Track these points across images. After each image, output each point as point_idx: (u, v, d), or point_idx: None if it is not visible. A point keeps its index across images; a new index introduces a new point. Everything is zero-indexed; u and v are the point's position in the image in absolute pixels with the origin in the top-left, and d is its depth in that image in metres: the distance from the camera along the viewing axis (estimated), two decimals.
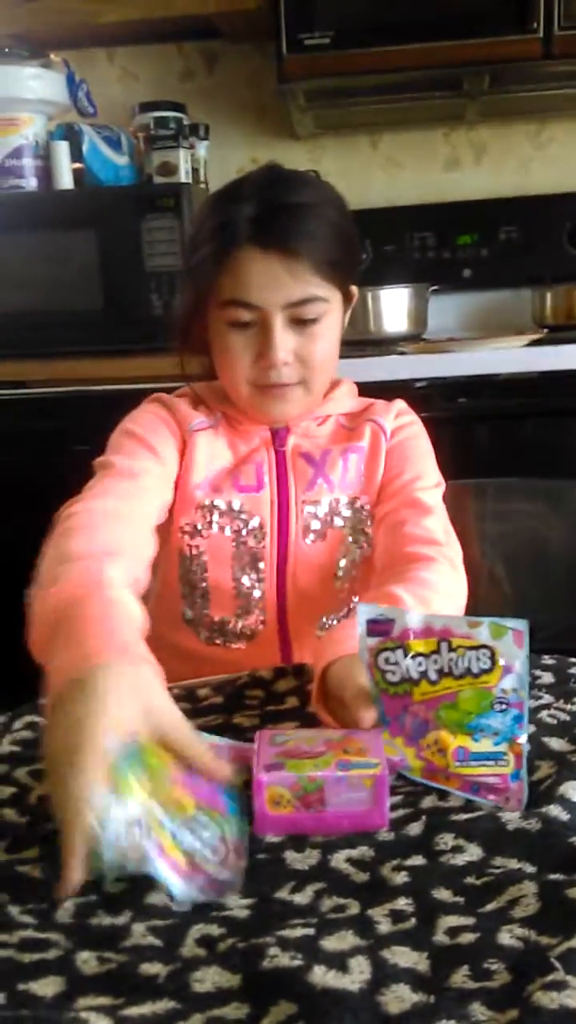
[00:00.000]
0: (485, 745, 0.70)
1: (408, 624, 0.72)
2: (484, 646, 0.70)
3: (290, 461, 1.13)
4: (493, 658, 0.69)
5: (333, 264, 1.04)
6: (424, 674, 0.72)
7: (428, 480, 1.15)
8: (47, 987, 0.52)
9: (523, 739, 0.70)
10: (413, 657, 0.72)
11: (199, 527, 1.11)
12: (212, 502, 1.11)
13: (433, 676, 0.71)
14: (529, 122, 2.37)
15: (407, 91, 2.16)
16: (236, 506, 1.11)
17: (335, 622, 1.14)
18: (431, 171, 2.42)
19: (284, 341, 1.03)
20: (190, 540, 1.12)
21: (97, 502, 0.99)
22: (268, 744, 0.71)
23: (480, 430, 1.91)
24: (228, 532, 1.11)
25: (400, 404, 1.21)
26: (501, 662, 0.69)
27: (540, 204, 2.32)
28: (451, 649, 0.71)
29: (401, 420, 1.18)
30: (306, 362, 1.06)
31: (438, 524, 1.10)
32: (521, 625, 0.70)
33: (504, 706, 0.70)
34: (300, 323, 1.04)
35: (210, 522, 1.11)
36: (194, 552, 1.12)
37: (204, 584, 1.12)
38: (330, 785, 0.66)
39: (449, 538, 1.09)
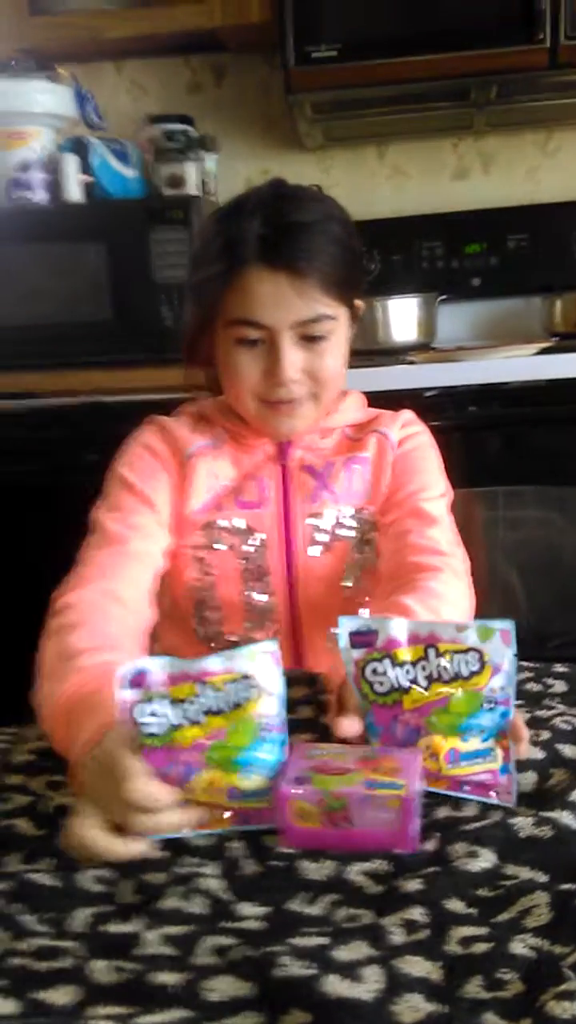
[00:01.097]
0: (473, 743, 0.71)
1: (392, 634, 0.72)
2: (472, 649, 0.70)
3: (293, 475, 1.13)
4: (482, 660, 0.70)
5: (340, 282, 1.04)
6: (414, 682, 0.71)
7: (434, 491, 1.14)
8: (61, 996, 0.52)
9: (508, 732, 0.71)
10: (400, 666, 0.72)
11: (204, 546, 1.11)
12: (215, 521, 1.11)
13: (423, 683, 0.71)
14: (537, 131, 2.37)
15: (414, 102, 2.16)
16: (239, 524, 1.11)
17: None
18: (439, 181, 2.42)
19: (293, 359, 1.03)
20: (196, 561, 1.11)
21: (91, 590, 0.98)
22: (301, 757, 0.70)
23: (490, 438, 1.91)
24: (233, 549, 1.11)
25: (407, 414, 1.20)
26: (490, 663, 0.70)
27: (548, 212, 2.32)
28: (439, 654, 0.71)
29: (407, 431, 1.18)
30: (315, 378, 1.06)
31: (443, 534, 1.10)
32: (507, 625, 0.70)
33: (492, 704, 0.70)
34: (308, 340, 1.04)
35: (214, 541, 1.11)
36: (201, 572, 1.12)
37: (215, 602, 1.12)
38: (354, 803, 0.65)
39: (454, 548, 1.09)
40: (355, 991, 0.50)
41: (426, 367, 1.92)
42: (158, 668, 0.67)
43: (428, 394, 1.86)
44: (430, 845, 0.66)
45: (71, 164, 2.09)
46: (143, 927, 0.58)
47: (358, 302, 1.12)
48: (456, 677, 0.70)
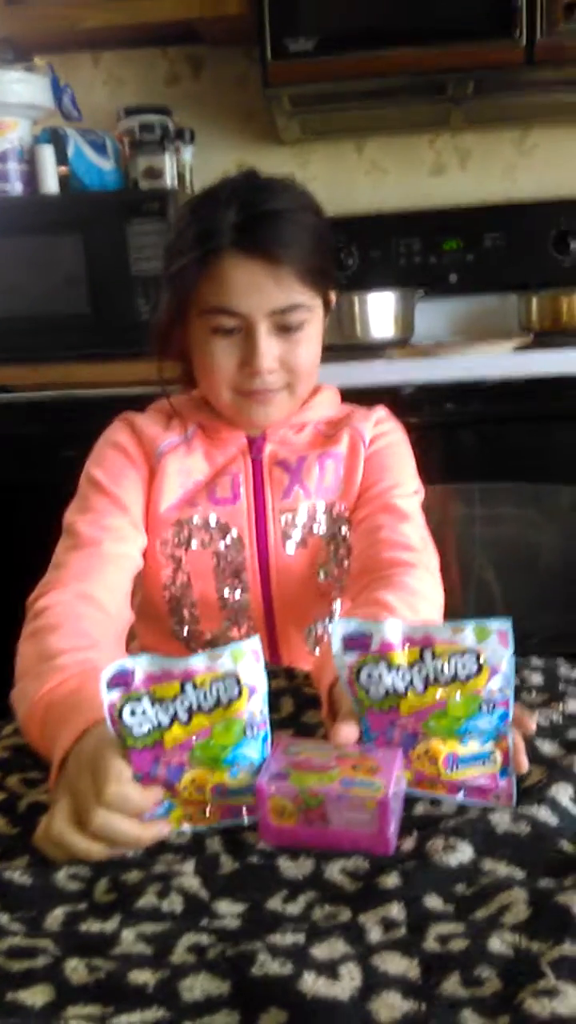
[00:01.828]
0: (473, 747, 0.70)
1: (386, 636, 0.70)
2: (469, 650, 0.69)
3: (266, 470, 1.12)
4: (479, 661, 0.68)
5: (314, 271, 1.04)
6: (411, 685, 0.70)
7: (406, 488, 1.14)
8: (36, 996, 0.52)
9: (509, 735, 0.70)
10: (396, 670, 0.70)
11: (178, 544, 1.10)
12: (188, 518, 1.10)
13: (420, 686, 0.69)
14: (514, 128, 2.38)
15: (392, 96, 2.16)
16: (212, 521, 1.10)
17: (321, 628, 1.14)
18: (416, 176, 2.42)
19: (269, 348, 1.03)
20: (170, 559, 1.11)
21: (67, 592, 0.98)
22: (282, 752, 0.70)
23: (467, 435, 1.92)
24: (207, 547, 1.10)
25: (380, 411, 1.20)
26: (488, 664, 0.68)
27: (525, 210, 2.33)
28: (435, 656, 0.69)
29: (381, 428, 1.18)
30: (291, 368, 1.06)
31: (415, 531, 1.10)
32: (505, 625, 0.68)
33: (491, 706, 0.69)
34: (284, 330, 1.04)
35: (188, 538, 1.10)
36: (176, 569, 1.11)
37: (190, 599, 1.12)
38: (330, 802, 0.64)
39: (426, 545, 1.09)
40: (332, 990, 0.50)
41: (404, 363, 1.93)
42: (142, 668, 0.66)
43: (405, 390, 1.86)
44: (407, 842, 0.65)
45: (47, 156, 2.07)
46: (119, 926, 0.58)
47: (331, 294, 1.12)
48: (453, 679, 0.69)
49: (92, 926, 0.58)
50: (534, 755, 0.76)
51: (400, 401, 1.84)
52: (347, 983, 0.51)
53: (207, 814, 0.68)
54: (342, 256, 2.32)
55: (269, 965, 0.52)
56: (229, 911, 0.59)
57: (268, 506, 1.11)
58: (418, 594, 0.97)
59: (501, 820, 0.66)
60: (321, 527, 1.12)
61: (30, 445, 1.96)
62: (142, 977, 0.53)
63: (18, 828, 0.70)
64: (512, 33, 1.92)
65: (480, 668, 0.68)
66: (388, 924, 0.56)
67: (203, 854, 0.65)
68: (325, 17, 1.96)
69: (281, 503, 1.11)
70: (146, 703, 0.65)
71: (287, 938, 0.55)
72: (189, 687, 0.66)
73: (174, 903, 0.60)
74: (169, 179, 2.12)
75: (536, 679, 0.91)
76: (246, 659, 0.68)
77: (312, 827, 0.65)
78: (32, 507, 1.85)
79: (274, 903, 0.60)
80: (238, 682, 0.67)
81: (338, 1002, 0.49)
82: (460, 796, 0.70)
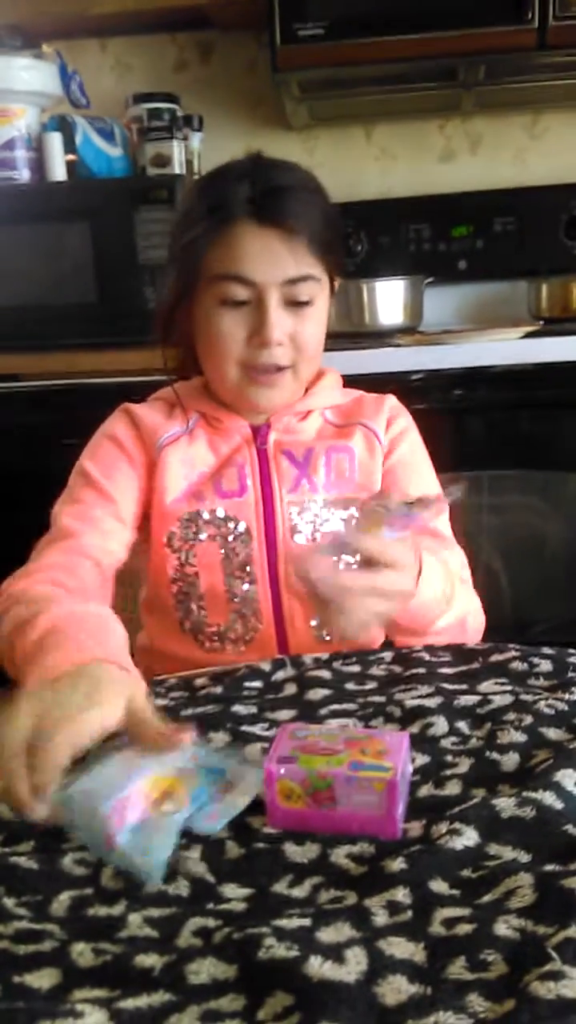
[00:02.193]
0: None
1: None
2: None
3: (272, 460, 1.11)
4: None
5: (325, 245, 1.04)
6: None
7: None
8: (42, 979, 0.52)
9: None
10: None
11: (186, 538, 1.10)
12: (196, 511, 1.09)
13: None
14: (524, 113, 2.36)
15: (402, 82, 2.15)
16: (220, 513, 1.09)
17: None
18: (426, 162, 2.41)
19: (279, 320, 1.03)
20: (178, 552, 1.10)
21: (38, 581, 0.96)
22: (288, 737, 0.70)
23: (476, 422, 1.91)
24: (215, 540, 1.09)
25: (391, 402, 1.19)
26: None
27: (536, 195, 2.31)
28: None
29: (396, 428, 1.16)
30: (298, 345, 1.05)
31: (457, 556, 1.10)
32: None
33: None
34: (293, 304, 1.03)
35: (196, 532, 1.09)
36: (183, 562, 1.10)
37: (198, 592, 1.11)
38: (339, 784, 0.64)
39: (465, 566, 1.11)
40: (338, 973, 0.50)
41: (412, 350, 1.92)
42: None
43: (414, 377, 1.86)
44: (413, 827, 0.65)
45: (56, 143, 2.07)
46: (125, 910, 0.58)
47: (336, 279, 1.11)
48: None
49: (99, 910, 0.58)
50: (540, 740, 0.76)
51: (408, 388, 1.84)
52: (353, 967, 0.51)
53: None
54: (351, 242, 2.31)
55: (275, 949, 0.52)
56: (235, 895, 0.59)
57: (276, 498, 1.11)
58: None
59: (506, 805, 0.66)
60: (330, 524, 1.11)
61: (37, 433, 1.96)
62: (148, 961, 0.53)
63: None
64: (524, 17, 1.91)
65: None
66: (394, 908, 0.56)
67: (209, 839, 0.65)
68: (335, 2, 1.95)
69: (289, 496, 1.11)
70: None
71: (293, 922, 0.55)
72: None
73: (180, 887, 0.60)
74: (177, 166, 2.11)
75: (545, 666, 0.91)
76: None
77: (320, 810, 0.65)
78: (38, 495, 1.85)
79: (280, 887, 0.60)
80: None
81: (344, 985, 0.49)
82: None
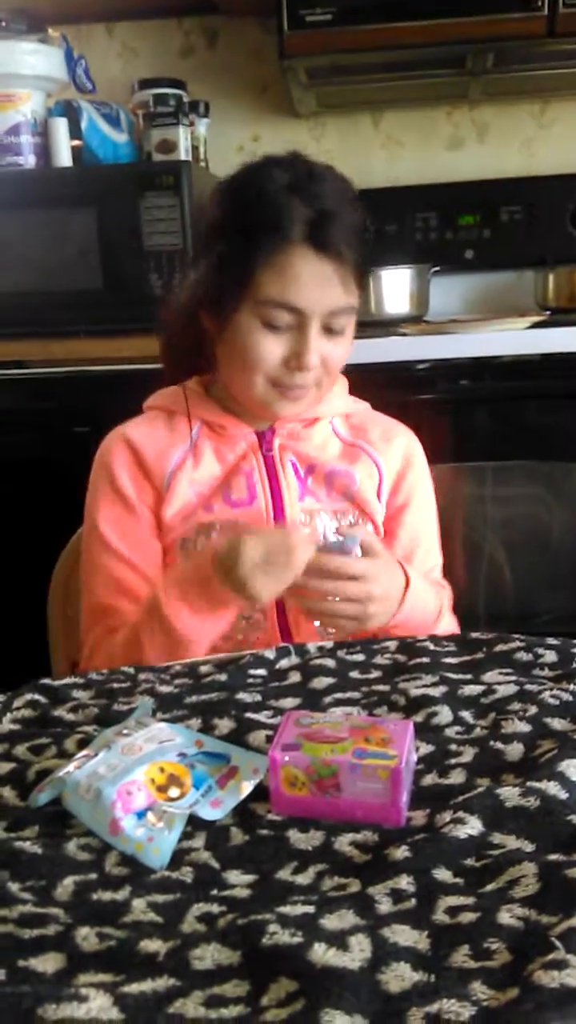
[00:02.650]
0: None
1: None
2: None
3: (280, 467, 1.11)
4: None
5: (364, 272, 1.05)
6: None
7: (436, 555, 1.18)
8: (47, 963, 0.52)
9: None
10: None
11: (198, 545, 1.09)
12: (207, 522, 1.09)
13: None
14: (533, 101, 2.35)
15: (410, 69, 2.14)
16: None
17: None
18: (433, 150, 2.40)
19: (318, 346, 1.03)
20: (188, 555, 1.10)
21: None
22: (293, 724, 0.70)
23: (481, 412, 1.91)
24: None
25: (403, 441, 1.18)
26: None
27: (543, 184, 2.30)
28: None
29: (407, 481, 1.17)
30: (328, 368, 1.06)
31: (448, 599, 1.16)
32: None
33: None
34: (329, 331, 1.04)
35: (208, 535, 1.09)
36: None
37: None
38: (344, 772, 0.65)
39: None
40: (342, 960, 0.50)
41: (418, 339, 1.91)
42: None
43: (420, 367, 1.85)
44: (416, 816, 0.66)
45: (61, 128, 2.06)
46: (129, 895, 0.58)
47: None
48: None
49: (103, 895, 0.59)
50: (544, 730, 0.76)
51: (414, 378, 1.83)
52: (357, 954, 0.51)
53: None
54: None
55: (279, 935, 0.52)
56: (239, 881, 0.59)
57: (286, 504, 1.10)
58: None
59: (510, 795, 0.66)
60: (330, 535, 1.11)
61: (41, 420, 1.96)
62: (153, 946, 0.53)
63: (28, 798, 0.71)
64: (534, 4, 1.89)
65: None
66: (398, 896, 0.56)
67: (213, 825, 0.65)
68: None
69: (296, 506, 1.11)
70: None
71: (297, 909, 0.55)
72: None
73: (184, 873, 0.60)
74: (183, 152, 2.10)
75: (550, 656, 0.91)
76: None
77: (324, 797, 0.65)
78: (43, 482, 1.86)
79: (284, 874, 0.60)
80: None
81: (348, 972, 0.49)
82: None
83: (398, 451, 1.16)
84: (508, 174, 2.34)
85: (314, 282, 1.00)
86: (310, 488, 1.11)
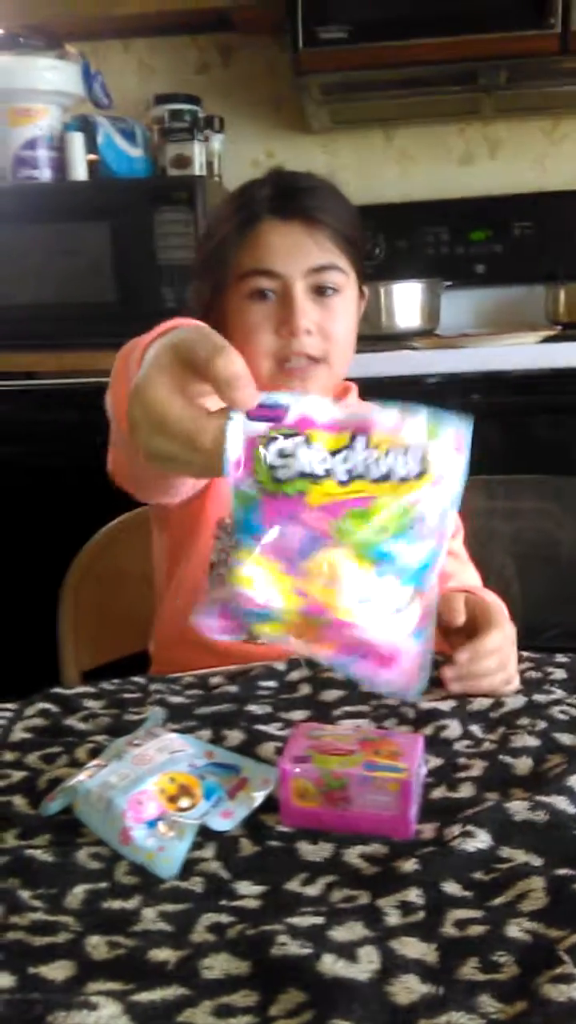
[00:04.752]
0: (389, 584, 0.53)
1: (307, 412, 0.53)
2: (414, 446, 0.53)
3: None
4: (424, 462, 0.53)
5: (348, 238, 1.07)
6: (330, 472, 0.52)
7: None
8: (57, 971, 0.52)
9: (434, 588, 0.55)
10: (316, 450, 0.52)
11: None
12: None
13: (341, 476, 0.52)
14: (544, 118, 2.36)
15: (423, 85, 2.15)
16: None
17: None
18: (445, 166, 2.41)
19: (306, 308, 1.05)
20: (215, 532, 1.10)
21: None
22: (303, 736, 0.70)
23: (492, 427, 1.91)
24: None
25: None
26: (431, 469, 0.53)
27: (554, 200, 2.31)
28: (368, 446, 0.52)
29: None
30: (327, 336, 1.06)
31: (475, 575, 1.16)
32: (462, 424, 0.54)
33: (424, 529, 0.53)
34: (320, 294, 1.06)
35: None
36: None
37: None
38: (354, 784, 0.65)
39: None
40: (351, 971, 0.51)
41: (429, 353, 1.92)
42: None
43: (430, 381, 1.86)
44: (425, 829, 0.66)
45: (77, 143, 2.08)
46: (140, 904, 0.59)
47: (364, 288, 1.13)
48: (387, 477, 0.52)
49: (113, 904, 0.59)
50: (553, 745, 0.76)
51: (425, 392, 1.84)
52: (366, 965, 0.51)
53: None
54: (369, 246, 2.32)
55: (289, 946, 0.52)
56: (249, 892, 0.60)
57: None
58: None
59: (519, 808, 0.66)
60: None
61: (52, 432, 1.97)
62: (162, 955, 0.53)
63: (39, 807, 0.71)
64: (547, 21, 1.91)
65: (423, 471, 0.53)
66: (406, 908, 0.56)
67: (223, 836, 0.66)
68: (357, 5, 1.96)
69: None
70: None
71: (306, 920, 0.56)
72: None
73: (194, 883, 0.61)
74: (198, 167, 2.12)
75: (559, 674, 0.91)
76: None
77: (334, 809, 0.65)
78: (54, 492, 1.87)
79: (293, 885, 0.60)
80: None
81: (357, 984, 0.50)
82: (348, 659, 0.54)
83: None
84: (520, 190, 2.35)
85: (284, 245, 1.04)
86: None
